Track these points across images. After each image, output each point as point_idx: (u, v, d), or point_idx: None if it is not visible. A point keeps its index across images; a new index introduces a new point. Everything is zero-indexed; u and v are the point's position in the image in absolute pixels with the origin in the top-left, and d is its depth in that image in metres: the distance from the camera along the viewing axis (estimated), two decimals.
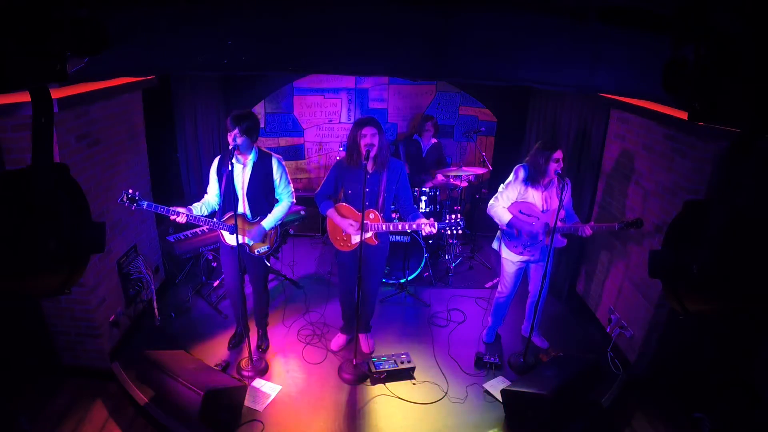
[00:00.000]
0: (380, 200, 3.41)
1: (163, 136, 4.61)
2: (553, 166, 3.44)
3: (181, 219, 3.23)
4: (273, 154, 3.47)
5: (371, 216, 3.38)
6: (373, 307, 3.95)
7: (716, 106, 1.17)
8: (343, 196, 3.52)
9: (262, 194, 3.45)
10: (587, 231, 3.52)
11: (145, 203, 3.12)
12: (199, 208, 3.41)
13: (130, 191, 3.10)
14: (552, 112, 5.00)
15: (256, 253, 3.54)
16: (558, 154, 3.43)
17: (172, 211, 3.19)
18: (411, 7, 1.64)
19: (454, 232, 3.34)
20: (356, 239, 3.46)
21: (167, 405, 3.29)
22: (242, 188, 3.39)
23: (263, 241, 3.53)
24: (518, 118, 5.88)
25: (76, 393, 3.51)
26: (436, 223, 3.20)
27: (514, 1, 1.60)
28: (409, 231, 4.66)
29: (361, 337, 4.01)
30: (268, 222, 3.46)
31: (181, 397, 3.12)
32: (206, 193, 3.51)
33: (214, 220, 3.38)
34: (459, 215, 3.30)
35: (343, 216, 3.48)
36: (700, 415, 3.45)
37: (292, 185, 3.56)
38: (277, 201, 3.54)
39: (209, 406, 3.06)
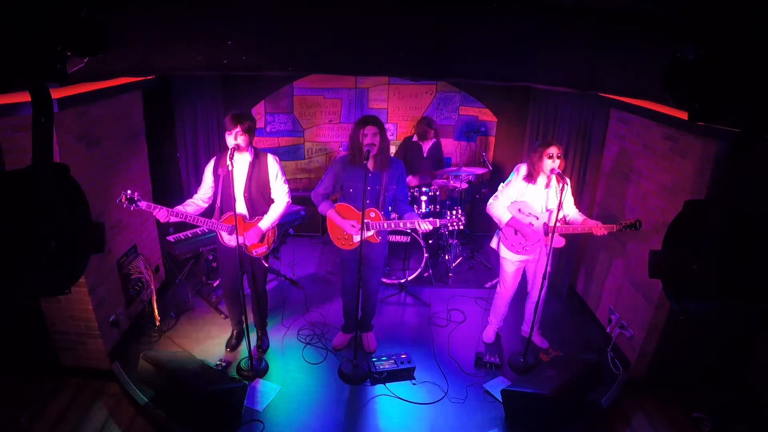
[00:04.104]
0: (381, 199, 3.41)
1: (163, 136, 4.61)
2: (548, 163, 3.43)
3: (161, 215, 3.18)
4: (269, 153, 3.48)
5: (372, 215, 3.39)
6: (374, 305, 3.95)
7: (716, 106, 1.17)
8: (342, 195, 3.52)
9: (259, 193, 3.46)
10: (601, 230, 3.46)
11: (144, 204, 3.13)
12: (183, 208, 3.36)
13: (129, 192, 3.11)
14: (552, 112, 5.00)
15: (254, 254, 3.54)
16: (551, 150, 3.41)
17: (160, 209, 3.17)
18: (411, 7, 1.64)
19: (456, 227, 3.39)
20: (358, 238, 3.47)
21: (167, 405, 3.29)
22: (239, 188, 3.39)
23: (261, 242, 3.52)
24: (518, 118, 5.88)
25: (76, 393, 3.51)
26: (437, 220, 3.29)
27: (513, 1, 1.60)
28: (409, 230, 4.67)
29: (363, 336, 4.01)
30: (265, 222, 3.46)
31: (180, 397, 3.12)
32: (196, 193, 3.50)
33: (212, 220, 3.38)
34: (460, 210, 3.37)
35: (343, 217, 3.48)
36: (700, 415, 3.45)
37: (287, 184, 3.56)
38: (273, 200, 3.54)
39: (209, 406, 3.06)
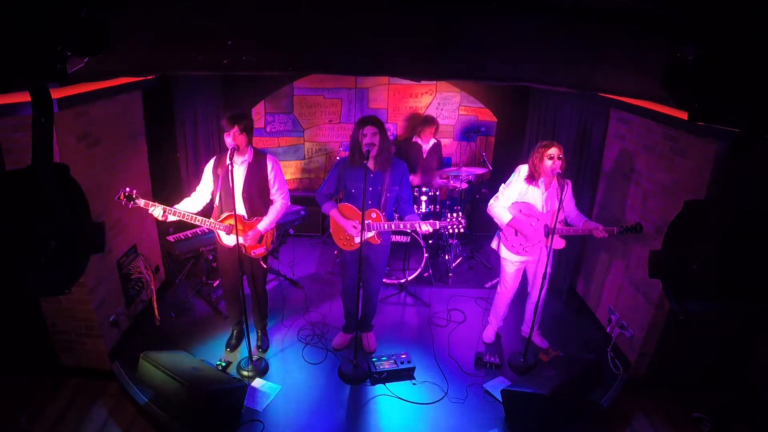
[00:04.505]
0: (382, 199, 3.41)
1: (163, 136, 4.60)
2: (549, 164, 3.43)
3: (157, 213, 3.19)
4: (268, 154, 3.48)
5: (373, 215, 3.39)
6: (375, 306, 3.95)
7: (716, 106, 1.17)
8: (345, 195, 3.52)
9: (257, 194, 3.46)
10: (601, 233, 3.46)
11: (142, 201, 3.14)
12: (179, 206, 3.36)
13: (127, 189, 3.12)
14: (552, 112, 5.00)
15: (252, 255, 3.54)
16: (552, 151, 3.41)
17: (153, 204, 3.17)
18: (411, 7, 1.64)
19: (456, 230, 3.38)
20: (359, 239, 3.47)
21: (167, 405, 3.29)
22: (238, 188, 3.39)
23: (259, 243, 3.53)
24: (518, 118, 5.87)
25: (76, 393, 3.51)
26: (437, 222, 3.27)
27: (513, 1, 1.60)
28: (410, 231, 4.67)
29: (363, 336, 4.01)
30: (264, 223, 3.46)
31: (181, 397, 3.12)
32: (194, 191, 3.50)
33: (211, 219, 3.38)
34: (461, 213, 3.36)
35: (345, 217, 3.48)
36: (700, 415, 3.45)
37: (286, 186, 3.56)
38: (272, 201, 3.54)
39: (209, 406, 3.06)
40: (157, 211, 3.18)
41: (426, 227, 3.25)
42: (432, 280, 5.12)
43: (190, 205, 3.41)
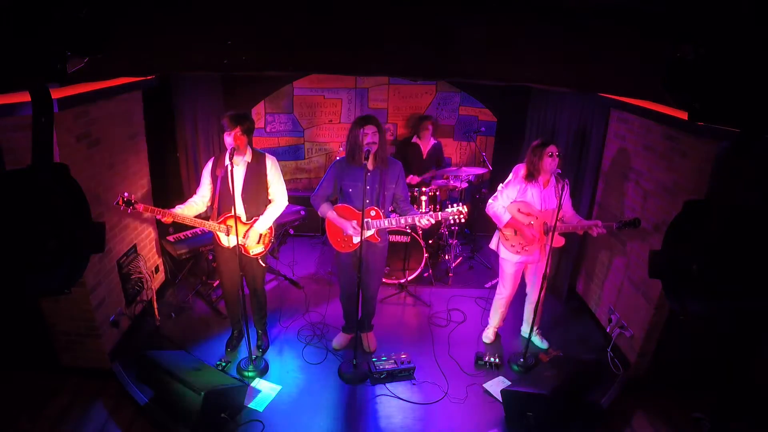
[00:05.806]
0: (380, 198, 3.41)
1: (163, 136, 4.60)
2: (548, 162, 3.43)
3: (167, 219, 3.23)
4: (267, 154, 3.48)
5: (372, 213, 3.38)
6: (374, 307, 3.95)
7: (716, 106, 1.17)
8: (342, 195, 3.51)
9: (256, 194, 3.46)
10: (599, 230, 3.47)
11: (142, 206, 3.14)
12: (182, 209, 3.39)
13: (126, 194, 3.12)
14: (552, 112, 5.00)
15: (251, 255, 3.54)
16: (550, 149, 3.42)
17: (159, 211, 3.20)
18: (410, 7, 1.64)
19: (459, 220, 3.29)
20: (358, 239, 3.46)
21: (167, 405, 3.29)
22: (238, 188, 3.39)
23: (258, 242, 3.52)
24: (518, 118, 5.87)
25: (76, 393, 3.51)
26: (438, 213, 3.24)
27: (513, 1, 1.60)
28: (409, 228, 4.66)
29: (363, 336, 4.01)
30: (261, 223, 3.46)
31: (181, 397, 3.12)
32: (195, 194, 3.50)
33: (210, 222, 3.39)
34: (462, 203, 3.29)
35: (344, 218, 3.47)
36: (700, 415, 3.45)
37: (284, 186, 3.56)
38: (270, 201, 3.54)
39: (209, 406, 3.06)
40: (158, 216, 3.20)
41: (426, 220, 3.23)
42: (432, 280, 5.12)
43: (192, 208, 3.42)
